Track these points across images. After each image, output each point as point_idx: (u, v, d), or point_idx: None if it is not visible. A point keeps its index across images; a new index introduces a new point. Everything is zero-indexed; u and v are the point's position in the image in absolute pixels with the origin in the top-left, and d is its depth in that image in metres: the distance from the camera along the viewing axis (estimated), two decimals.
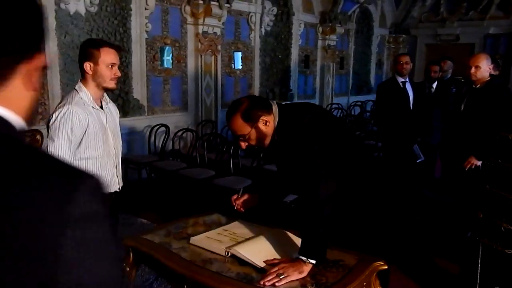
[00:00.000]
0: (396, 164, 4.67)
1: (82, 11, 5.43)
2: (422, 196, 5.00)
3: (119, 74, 2.19)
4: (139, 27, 5.96)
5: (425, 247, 3.81)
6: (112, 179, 2.30)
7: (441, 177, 5.24)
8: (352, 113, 9.16)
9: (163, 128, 5.75)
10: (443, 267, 3.43)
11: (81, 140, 2.11)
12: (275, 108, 1.92)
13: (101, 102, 2.26)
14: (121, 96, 5.93)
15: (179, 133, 5.75)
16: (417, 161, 4.80)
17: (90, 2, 5.44)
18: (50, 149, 2.05)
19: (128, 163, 5.58)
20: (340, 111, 8.90)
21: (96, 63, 2.10)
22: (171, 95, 6.60)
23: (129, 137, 6.02)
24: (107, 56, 2.11)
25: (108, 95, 5.69)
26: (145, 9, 5.99)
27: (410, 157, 4.73)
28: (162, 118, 6.18)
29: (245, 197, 2.18)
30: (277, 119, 1.90)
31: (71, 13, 5.30)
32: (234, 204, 2.17)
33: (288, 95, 8.75)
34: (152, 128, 5.85)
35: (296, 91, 9.05)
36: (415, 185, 4.94)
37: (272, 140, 1.93)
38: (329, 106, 9.37)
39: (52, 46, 5.09)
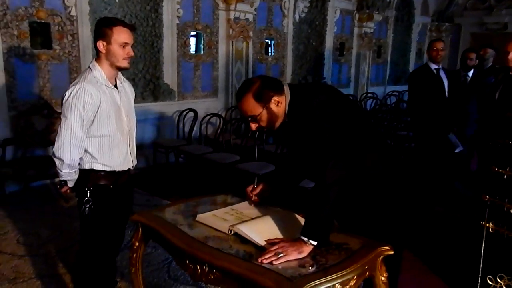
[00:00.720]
0: (429, 154, 4.48)
1: None
2: (452, 188, 4.80)
3: (132, 53, 2.17)
4: (170, 13, 6.03)
5: (444, 237, 3.68)
6: (126, 157, 2.32)
7: (477, 170, 5.01)
8: (388, 103, 8.91)
9: (192, 113, 5.80)
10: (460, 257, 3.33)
11: (94, 118, 2.14)
12: (286, 89, 1.87)
13: (116, 81, 2.27)
14: (152, 81, 6.03)
15: (207, 118, 5.79)
16: (456, 151, 4.57)
17: None
18: (63, 126, 2.09)
19: (157, 146, 5.70)
20: (374, 100, 8.67)
21: (109, 42, 2.10)
22: (201, 80, 6.64)
23: (159, 121, 6.13)
24: (120, 36, 2.10)
25: (140, 79, 5.80)
26: None
27: (445, 147, 4.52)
28: (192, 104, 6.24)
29: (260, 187, 2.13)
30: (288, 100, 1.86)
31: None
32: (250, 195, 2.12)
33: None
34: (181, 113, 5.91)
35: (329, 80, 8.89)
36: (447, 176, 4.74)
37: (283, 121, 1.89)
38: (364, 95, 9.15)
39: (85, 31, 5.23)
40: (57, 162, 2.15)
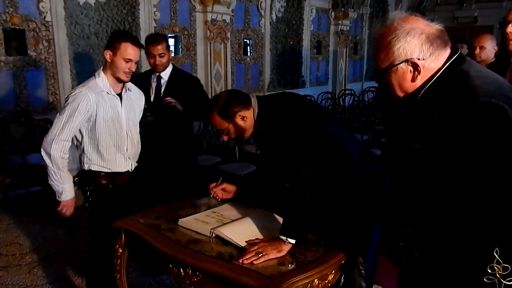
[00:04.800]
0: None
1: (92, 1, 5.50)
2: None
3: (133, 69, 2.31)
4: (147, 16, 6.01)
5: None
6: (126, 160, 2.45)
7: None
8: (365, 99, 9.06)
9: None
10: None
11: (91, 122, 2.29)
12: (254, 101, 1.96)
13: (122, 89, 2.40)
14: None
15: None
16: None
17: None
18: (55, 122, 2.24)
19: None
20: (352, 97, 8.81)
21: (114, 54, 2.26)
22: None
23: None
24: (126, 51, 2.24)
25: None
26: None
27: None
28: None
29: (223, 186, 2.24)
30: (256, 112, 1.94)
31: (81, 3, 5.38)
32: (212, 192, 2.22)
33: (300, 81, 8.71)
34: None
35: (308, 78, 8.99)
36: None
37: (255, 131, 1.98)
38: (342, 92, 9.28)
39: (61, 36, 5.19)
40: (44, 158, 2.25)
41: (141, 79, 3.06)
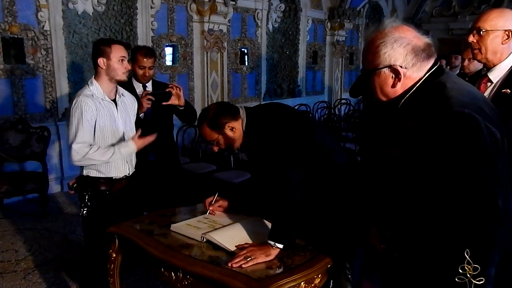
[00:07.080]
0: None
1: (90, 11, 5.59)
2: None
3: (129, 67, 2.41)
4: (145, 25, 6.09)
5: None
6: (124, 164, 2.50)
7: None
8: (361, 108, 9.14)
9: None
10: None
11: (94, 127, 2.34)
12: (242, 112, 2.02)
13: (116, 95, 2.45)
14: None
15: (184, 129, 5.86)
16: None
17: (98, 1, 5.59)
18: (71, 133, 2.31)
19: None
20: (348, 106, 8.91)
21: (108, 58, 2.31)
22: None
23: None
24: (118, 52, 2.32)
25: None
26: (151, 7, 6.11)
27: None
28: None
29: (219, 203, 2.26)
30: (245, 122, 2.00)
31: (79, 12, 5.47)
32: (208, 208, 2.23)
33: (296, 91, 8.79)
34: None
35: (304, 87, 9.08)
36: None
37: (244, 142, 2.04)
38: (338, 101, 9.37)
39: (60, 45, 5.26)
40: (78, 156, 2.32)
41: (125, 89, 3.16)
